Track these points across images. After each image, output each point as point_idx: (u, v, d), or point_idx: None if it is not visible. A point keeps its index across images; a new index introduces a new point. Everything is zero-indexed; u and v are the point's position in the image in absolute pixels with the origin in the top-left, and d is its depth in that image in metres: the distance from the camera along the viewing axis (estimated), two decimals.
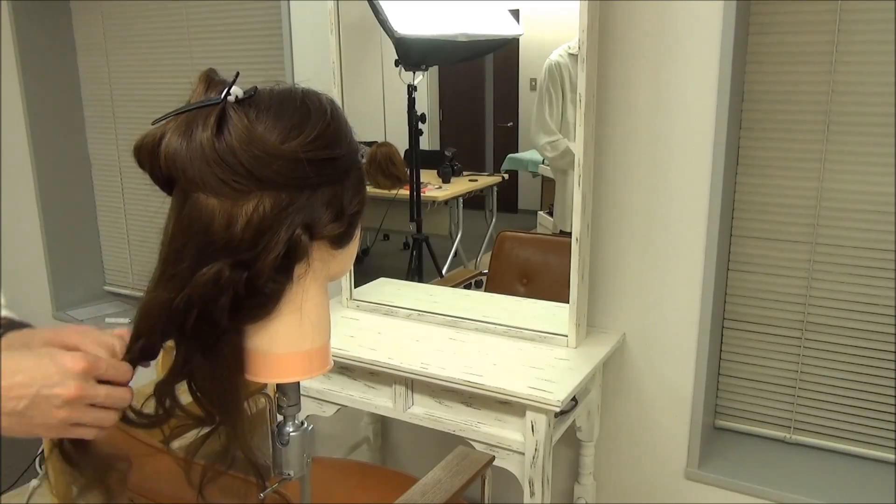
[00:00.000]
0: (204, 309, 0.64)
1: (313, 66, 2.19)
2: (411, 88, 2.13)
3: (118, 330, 0.71)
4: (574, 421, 1.78)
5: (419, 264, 2.31)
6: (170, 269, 0.65)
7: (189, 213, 0.64)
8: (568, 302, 1.75)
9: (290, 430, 0.80)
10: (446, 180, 2.28)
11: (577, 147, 1.64)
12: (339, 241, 0.71)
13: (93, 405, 0.64)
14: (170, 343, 0.69)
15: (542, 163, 2.15)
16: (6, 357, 0.61)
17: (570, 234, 1.71)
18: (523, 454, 1.58)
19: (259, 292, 0.66)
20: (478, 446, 1.63)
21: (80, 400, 0.62)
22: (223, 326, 0.65)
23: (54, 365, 0.62)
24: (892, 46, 1.58)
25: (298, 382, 0.79)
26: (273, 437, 0.80)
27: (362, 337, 1.85)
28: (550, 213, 2.16)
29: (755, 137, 1.75)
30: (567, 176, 1.86)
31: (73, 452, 0.68)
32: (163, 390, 0.69)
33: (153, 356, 0.69)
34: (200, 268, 0.63)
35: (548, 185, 2.16)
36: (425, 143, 2.21)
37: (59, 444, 0.67)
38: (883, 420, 1.76)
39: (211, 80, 0.67)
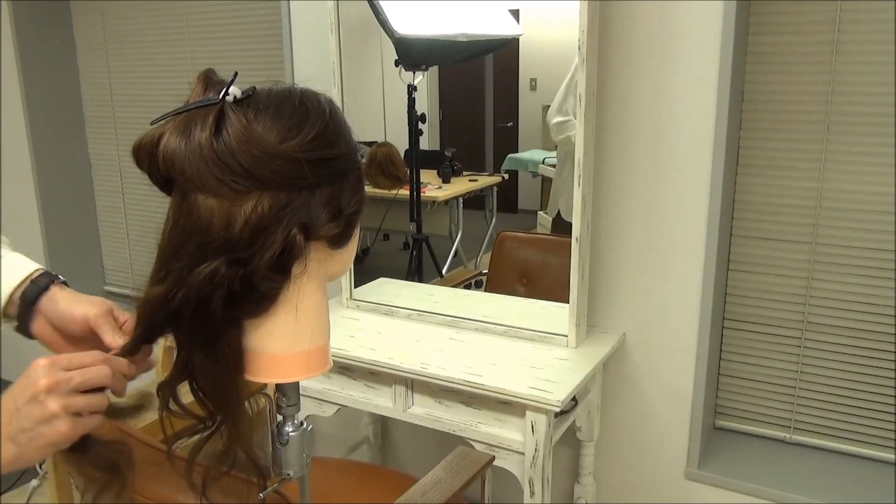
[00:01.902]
0: (199, 304, 0.64)
1: (313, 66, 2.19)
2: (411, 88, 2.13)
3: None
4: (574, 421, 1.78)
5: (419, 264, 2.31)
6: (166, 266, 0.65)
7: (187, 212, 0.64)
8: (568, 302, 1.75)
9: (290, 430, 0.80)
10: (446, 180, 2.28)
11: (577, 147, 1.64)
12: (338, 241, 0.71)
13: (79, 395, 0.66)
14: (171, 344, 0.69)
15: (542, 162, 2.15)
16: None
17: (562, 221, 1.70)
18: (523, 454, 1.58)
19: (254, 289, 0.66)
20: (478, 446, 1.63)
21: (56, 387, 0.64)
22: (219, 322, 0.66)
23: (22, 378, 0.65)
24: (892, 46, 1.57)
25: (298, 382, 0.79)
26: (273, 437, 0.80)
27: (362, 337, 1.85)
28: None
29: (755, 137, 1.75)
30: (567, 160, 1.87)
31: (79, 456, 0.69)
32: (165, 391, 0.69)
33: (141, 348, 0.72)
34: (197, 266, 0.63)
35: (548, 185, 2.16)
36: (425, 143, 2.21)
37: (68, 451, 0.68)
38: (883, 420, 1.76)
39: (209, 80, 0.67)
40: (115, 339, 0.78)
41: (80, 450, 0.68)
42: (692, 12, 1.62)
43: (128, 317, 0.80)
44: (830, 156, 1.68)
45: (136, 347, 0.72)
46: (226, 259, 0.63)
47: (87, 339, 0.82)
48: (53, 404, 0.63)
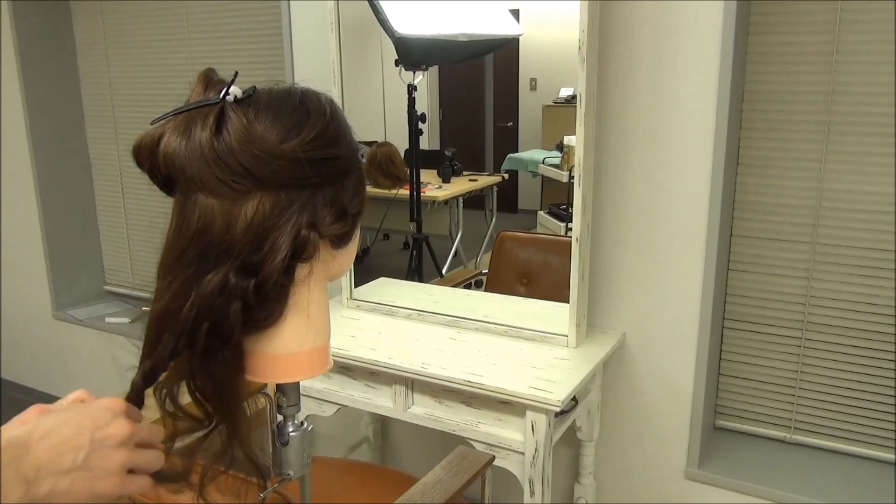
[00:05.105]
0: (215, 322, 0.63)
1: (313, 66, 2.19)
2: (411, 88, 2.13)
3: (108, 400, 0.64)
4: (574, 421, 1.78)
5: (419, 264, 2.31)
6: (172, 275, 0.63)
7: (189, 214, 0.63)
8: (568, 302, 1.75)
9: (290, 430, 0.80)
10: (446, 180, 2.28)
11: (577, 147, 1.65)
12: (340, 242, 0.71)
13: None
14: None
15: (542, 162, 2.15)
16: (41, 419, 0.57)
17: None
18: (523, 454, 1.58)
19: (268, 298, 0.65)
20: (478, 446, 1.63)
21: (131, 438, 0.60)
22: (235, 340, 0.64)
23: (98, 409, 0.60)
24: (892, 46, 1.57)
25: (298, 382, 0.79)
26: (273, 437, 0.80)
27: (362, 337, 1.85)
28: (550, 213, 2.16)
29: (755, 137, 1.75)
30: None
31: None
32: (163, 391, 0.69)
33: (159, 375, 0.66)
34: (204, 272, 0.62)
35: (548, 185, 2.16)
36: (425, 143, 2.21)
37: None
38: (883, 420, 1.76)
39: (210, 79, 0.66)
40: None
41: None
42: (692, 12, 1.62)
43: None
44: (830, 156, 1.68)
45: (143, 390, 0.66)
46: (234, 266, 0.63)
47: None
48: (121, 455, 0.59)
